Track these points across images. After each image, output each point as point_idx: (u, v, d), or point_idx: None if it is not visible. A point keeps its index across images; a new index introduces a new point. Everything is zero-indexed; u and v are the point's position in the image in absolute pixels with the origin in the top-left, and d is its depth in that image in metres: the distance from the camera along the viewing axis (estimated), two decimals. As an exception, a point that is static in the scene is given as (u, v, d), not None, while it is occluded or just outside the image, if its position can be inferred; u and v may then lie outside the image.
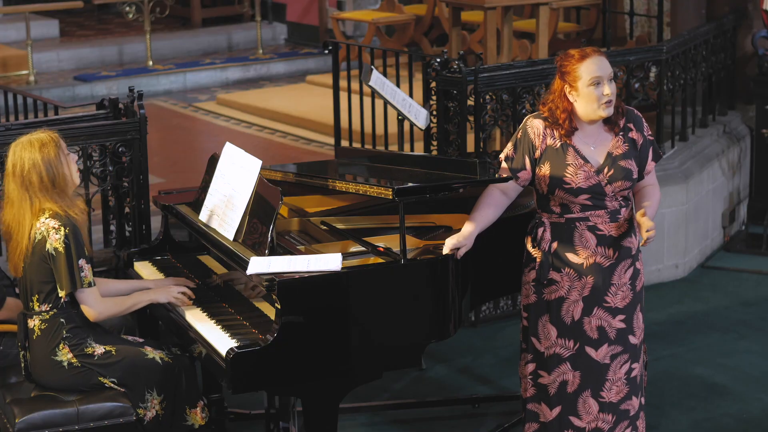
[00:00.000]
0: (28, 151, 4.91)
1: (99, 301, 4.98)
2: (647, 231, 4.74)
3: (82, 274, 4.90)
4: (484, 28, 8.73)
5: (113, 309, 5.05)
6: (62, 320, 4.94)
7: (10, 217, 4.96)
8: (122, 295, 5.23)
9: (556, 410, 5.06)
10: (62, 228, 4.87)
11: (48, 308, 4.94)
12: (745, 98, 9.08)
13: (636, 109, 5.07)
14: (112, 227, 6.35)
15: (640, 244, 4.87)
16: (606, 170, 4.87)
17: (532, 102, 6.99)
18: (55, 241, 4.86)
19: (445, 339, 4.96)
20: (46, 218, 4.89)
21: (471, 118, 6.84)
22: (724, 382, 6.40)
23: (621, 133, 4.93)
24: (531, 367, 5.11)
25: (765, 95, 8.44)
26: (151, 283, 5.35)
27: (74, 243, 4.88)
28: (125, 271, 5.74)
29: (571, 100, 4.85)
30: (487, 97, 6.86)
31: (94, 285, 4.97)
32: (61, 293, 4.91)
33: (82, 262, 4.90)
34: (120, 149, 6.12)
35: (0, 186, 5.46)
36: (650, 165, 5.00)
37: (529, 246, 5.05)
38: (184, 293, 5.16)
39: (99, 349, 4.97)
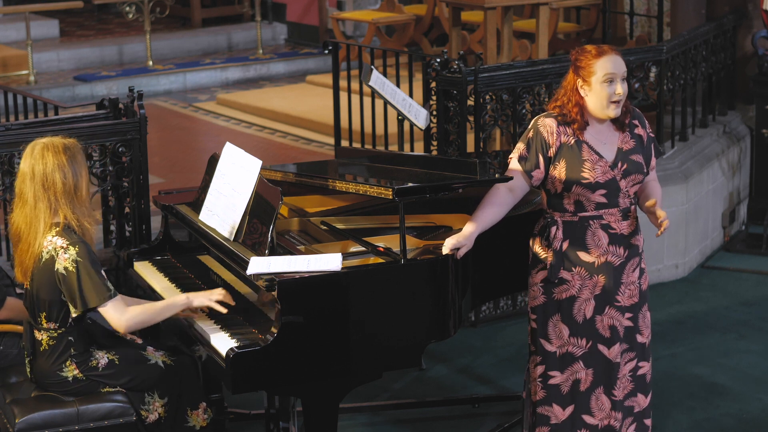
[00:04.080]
0: (52, 152, 4.78)
1: (125, 310, 4.82)
2: (664, 220, 4.81)
3: (109, 283, 4.78)
4: (484, 28, 8.73)
5: (141, 317, 4.86)
6: (70, 338, 4.87)
7: (21, 219, 4.82)
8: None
9: (569, 409, 5.06)
10: (71, 247, 4.75)
11: (56, 326, 4.85)
12: (745, 98, 9.08)
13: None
14: (112, 227, 6.35)
15: (656, 234, 4.88)
16: (620, 165, 4.91)
17: (532, 102, 6.99)
18: (65, 261, 4.74)
19: (445, 339, 4.95)
20: (53, 236, 4.76)
21: (471, 118, 6.84)
22: (724, 382, 6.40)
23: (627, 130, 4.97)
24: (540, 369, 5.10)
25: (765, 95, 8.45)
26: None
27: (89, 259, 4.75)
28: (125, 271, 5.74)
29: (583, 94, 4.89)
30: (487, 97, 6.86)
31: (117, 294, 4.83)
32: (75, 312, 4.78)
33: (104, 273, 4.79)
34: (120, 149, 6.12)
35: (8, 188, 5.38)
36: (653, 161, 5.05)
37: (537, 247, 5.04)
38: (223, 300, 4.92)
39: (102, 360, 4.92)
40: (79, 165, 4.83)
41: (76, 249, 4.76)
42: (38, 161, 4.78)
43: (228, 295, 4.94)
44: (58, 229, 4.79)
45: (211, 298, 4.91)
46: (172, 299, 4.97)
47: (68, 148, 4.83)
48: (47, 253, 4.78)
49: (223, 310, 4.90)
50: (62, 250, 4.75)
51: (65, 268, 4.75)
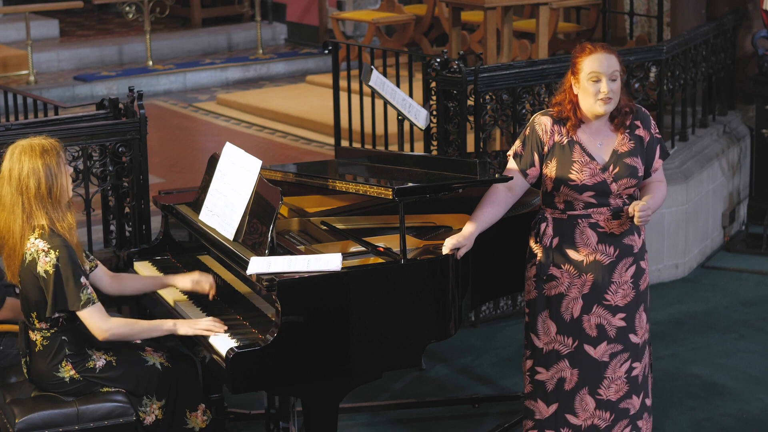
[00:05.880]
0: (28, 155, 4.77)
1: (106, 318, 4.81)
2: (635, 212, 4.77)
3: (88, 291, 4.77)
4: (484, 28, 8.73)
5: (124, 329, 4.85)
6: (64, 338, 4.86)
7: (2, 222, 4.82)
8: (141, 290, 5.24)
9: (553, 407, 5.07)
10: (51, 251, 4.73)
11: (47, 326, 4.85)
12: (745, 98, 9.08)
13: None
14: (112, 227, 6.34)
15: (635, 221, 4.85)
16: (611, 168, 4.90)
17: (532, 102, 6.99)
18: (45, 264, 4.73)
19: (445, 339, 4.96)
20: (36, 239, 4.76)
21: (471, 118, 6.84)
22: (724, 382, 6.40)
23: (627, 131, 4.96)
24: (529, 363, 5.13)
25: (765, 95, 8.45)
26: (172, 278, 5.20)
27: (70, 263, 4.74)
28: (125, 271, 5.74)
29: (575, 92, 4.90)
30: (487, 97, 6.86)
31: (97, 302, 4.82)
32: (48, 313, 4.76)
33: (83, 280, 4.77)
34: (120, 149, 6.12)
35: None
36: (657, 162, 5.03)
37: (531, 242, 5.06)
38: (212, 327, 4.88)
39: (100, 361, 4.92)
40: (56, 168, 4.79)
41: (57, 253, 4.74)
42: (15, 164, 4.79)
43: (218, 323, 4.91)
44: (41, 231, 4.78)
45: (197, 326, 4.90)
46: (159, 322, 4.98)
47: (46, 151, 4.80)
48: (30, 255, 4.78)
49: (213, 333, 4.86)
50: (43, 253, 4.75)
51: (45, 271, 4.75)
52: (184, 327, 4.93)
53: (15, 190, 4.78)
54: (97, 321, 4.80)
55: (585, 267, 4.96)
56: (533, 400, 5.13)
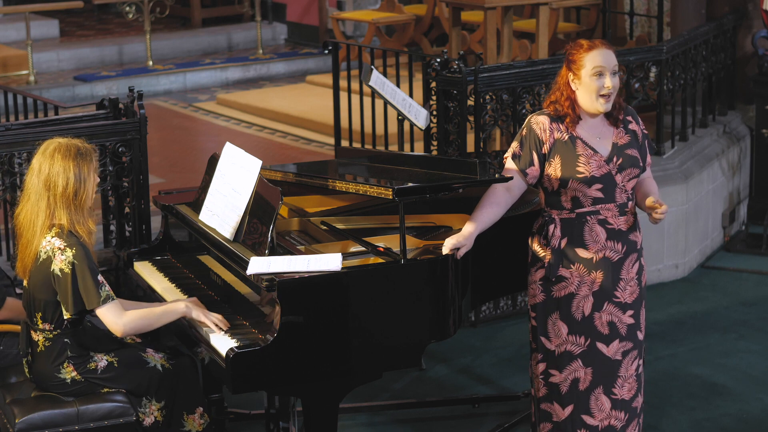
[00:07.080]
0: (62, 154, 4.79)
1: (123, 314, 4.81)
2: (663, 212, 4.84)
3: (106, 288, 4.77)
4: (484, 28, 8.73)
5: (139, 322, 4.85)
6: (66, 341, 4.86)
7: (24, 214, 4.85)
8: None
9: (569, 409, 5.06)
10: (68, 249, 4.74)
11: (51, 328, 4.85)
12: (745, 98, 9.08)
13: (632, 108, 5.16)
14: (112, 227, 6.35)
15: (654, 214, 4.88)
16: (615, 159, 4.92)
17: (532, 102, 6.99)
18: (61, 263, 4.74)
19: (445, 339, 4.96)
20: (52, 237, 4.77)
21: (471, 118, 6.84)
22: (724, 382, 6.40)
23: (622, 125, 5.00)
24: (542, 366, 5.11)
25: (765, 95, 8.45)
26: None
27: (86, 262, 4.75)
28: (125, 271, 5.74)
29: (574, 88, 4.91)
30: (487, 97, 6.86)
31: (115, 299, 4.82)
32: (67, 314, 4.78)
33: (100, 278, 4.78)
34: (120, 149, 6.12)
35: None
36: (649, 158, 5.08)
37: (535, 245, 5.05)
38: (219, 324, 4.87)
39: (101, 362, 4.92)
40: (86, 172, 4.82)
41: (74, 251, 4.76)
42: (47, 160, 4.81)
43: (224, 321, 4.89)
44: (58, 230, 4.79)
45: (208, 316, 4.88)
46: (172, 306, 4.96)
47: (81, 153, 4.83)
48: (45, 253, 4.79)
49: (215, 329, 4.85)
50: (59, 251, 4.76)
51: (61, 270, 4.75)
52: (196, 311, 4.90)
53: (42, 186, 4.80)
54: (115, 317, 4.79)
55: (594, 264, 4.96)
56: (549, 403, 5.11)
